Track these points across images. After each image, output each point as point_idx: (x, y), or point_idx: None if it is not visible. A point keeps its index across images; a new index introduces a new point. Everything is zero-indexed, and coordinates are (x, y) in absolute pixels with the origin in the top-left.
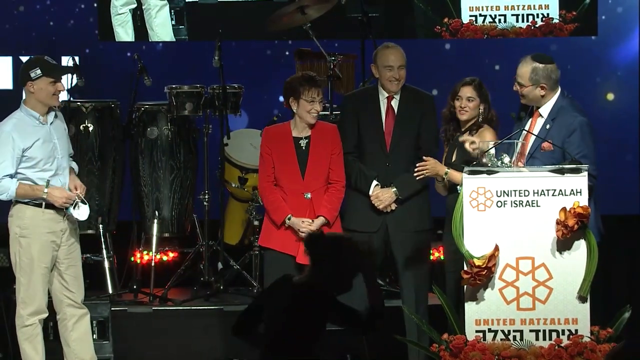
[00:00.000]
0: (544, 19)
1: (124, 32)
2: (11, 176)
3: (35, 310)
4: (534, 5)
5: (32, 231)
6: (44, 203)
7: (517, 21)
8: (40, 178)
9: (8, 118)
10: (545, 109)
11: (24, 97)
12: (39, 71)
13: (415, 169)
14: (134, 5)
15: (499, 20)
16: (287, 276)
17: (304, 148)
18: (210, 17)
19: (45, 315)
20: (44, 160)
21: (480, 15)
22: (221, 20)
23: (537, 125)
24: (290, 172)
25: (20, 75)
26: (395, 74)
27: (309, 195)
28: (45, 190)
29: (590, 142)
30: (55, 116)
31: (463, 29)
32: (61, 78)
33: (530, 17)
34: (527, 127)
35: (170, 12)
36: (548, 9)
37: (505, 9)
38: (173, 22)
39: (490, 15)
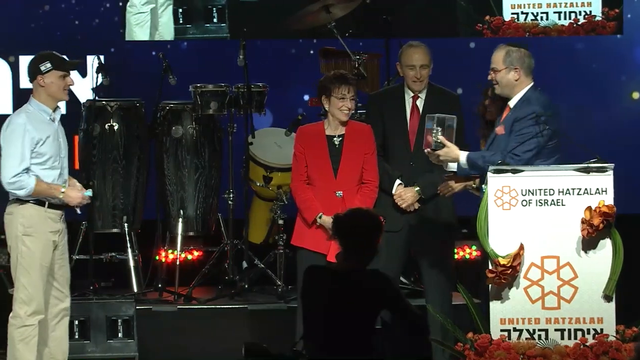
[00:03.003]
0: (586, 16)
1: (142, 32)
2: (28, 170)
3: (34, 310)
4: (577, 3)
5: (36, 230)
6: (47, 202)
7: (559, 19)
8: (46, 176)
9: (18, 111)
10: (513, 101)
11: (31, 95)
12: (49, 64)
13: (440, 190)
14: (154, 5)
15: (541, 17)
16: (316, 266)
17: (337, 146)
18: (251, 15)
19: (43, 316)
20: (52, 158)
21: (522, 12)
22: (259, 18)
23: (505, 117)
24: (323, 170)
25: (30, 69)
26: (417, 73)
27: (341, 194)
28: (62, 190)
29: (530, 132)
30: (59, 116)
31: (504, 26)
32: (70, 72)
33: (573, 15)
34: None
35: (212, 10)
36: (590, 6)
37: (547, 7)
38: (215, 20)
39: (532, 13)
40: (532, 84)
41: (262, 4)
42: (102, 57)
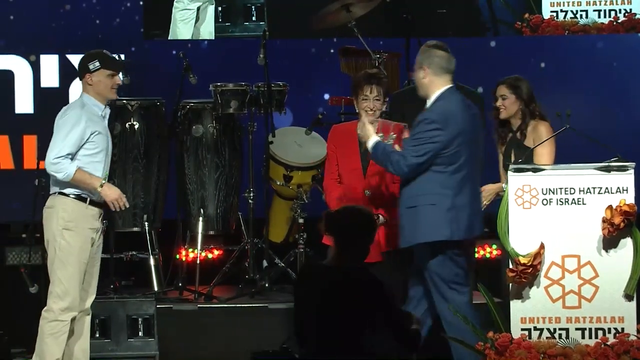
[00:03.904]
0: (626, 14)
1: (186, 29)
2: (72, 157)
3: (68, 306)
4: (616, 1)
5: (76, 224)
6: (88, 199)
7: (599, 17)
8: (96, 169)
9: (74, 102)
10: (429, 103)
11: (81, 91)
12: (97, 63)
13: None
14: (200, 3)
15: (581, 15)
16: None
17: None
18: (290, 13)
19: (76, 313)
20: (103, 152)
21: (562, 11)
22: (298, 16)
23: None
24: (352, 168)
25: (79, 67)
26: None
27: (369, 193)
28: (102, 184)
29: (422, 137)
30: (107, 114)
31: (544, 24)
32: (119, 72)
33: (612, 13)
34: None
35: (251, 9)
36: (630, 4)
37: (586, 5)
38: (254, 18)
39: (572, 11)
40: (449, 85)
41: (300, 3)
42: (122, 56)
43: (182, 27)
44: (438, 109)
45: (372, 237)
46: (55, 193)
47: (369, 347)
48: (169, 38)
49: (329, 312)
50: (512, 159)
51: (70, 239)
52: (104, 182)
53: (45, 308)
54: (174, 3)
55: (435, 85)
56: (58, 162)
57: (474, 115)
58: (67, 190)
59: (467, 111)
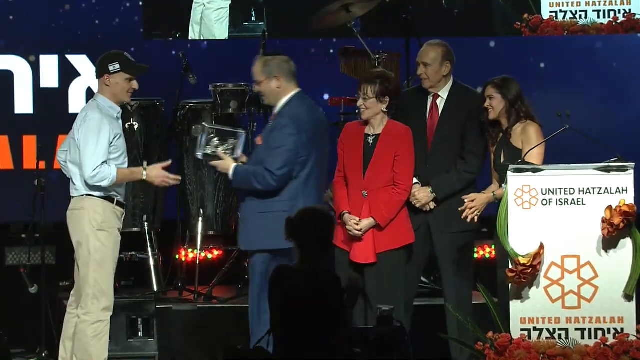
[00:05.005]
0: (625, 14)
1: (222, 29)
2: (106, 162)
3: (106, 305)
4: (616, 1)
5: (109, 225)
6: (115, 199)
7: (599, 17)
8: None
9: (90, 107)
10: (277, 109)
11: (97, 90)
12: (117, 66)
13: (463, 216)
14: (230, 1)
15: (580, 16)
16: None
17: (370, 145)
18: (289, 13)
19: (111, 312)
20: (124, 154)
21: (561, 11)
22: (298, 16)
23: (266, 126)
24: (354, 167)
25: (98, 67)
26: (420, 70)
27: (366, 194)
28: (144, 172)
29: (280, 146)
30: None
31: (543, 25)
32: (137, 76)
33: (612, 13)
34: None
35: (250, 9)
36: (630, 4)
37: (586, 5)
38: (253, 19)
39: (571, 11)
40: (296, 90)
41: (300, 3)
42: None
43: (218, 27)
44: (288, 113)
45: (330, 234)
46: (82, 195)
47: (343, 347)
48: (202, 38)
49: (298, 313)
50: (502, 159)
51: (105, 239)
52: (145, 170)
53: (82, 312)
54: (205, 4)
55: (286, 91)
56: (98, 172)
57: (321, 120)
58: (95, 192)
59: (314, 115)
